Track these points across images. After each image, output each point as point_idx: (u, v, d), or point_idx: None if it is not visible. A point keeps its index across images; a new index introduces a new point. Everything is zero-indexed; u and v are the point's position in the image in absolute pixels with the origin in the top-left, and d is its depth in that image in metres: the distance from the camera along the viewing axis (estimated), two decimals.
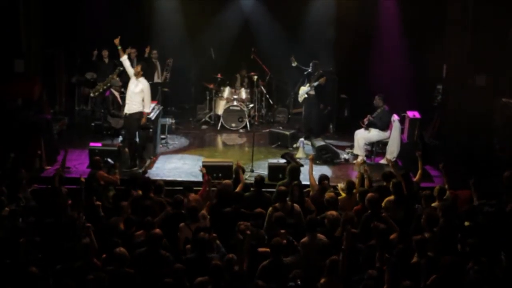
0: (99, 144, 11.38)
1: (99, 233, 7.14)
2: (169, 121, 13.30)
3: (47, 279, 6.40)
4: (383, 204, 8.15)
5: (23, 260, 6.54)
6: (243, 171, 9.65)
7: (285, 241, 6.93)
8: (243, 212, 7.94)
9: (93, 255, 6.64)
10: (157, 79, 14.22)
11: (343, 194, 8.87)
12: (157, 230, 6.91)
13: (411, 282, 6.14)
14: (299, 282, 6.29)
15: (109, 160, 10.09)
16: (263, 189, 8.90)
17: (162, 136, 12.68)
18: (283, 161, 10.73)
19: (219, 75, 14.43)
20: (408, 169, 9.23)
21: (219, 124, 13.95)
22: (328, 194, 8.25)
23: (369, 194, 7.91)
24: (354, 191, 8.69)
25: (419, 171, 9.16)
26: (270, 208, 7.93)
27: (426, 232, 7.23)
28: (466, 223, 7.67)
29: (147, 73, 14.02)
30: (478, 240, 6.79)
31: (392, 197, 8.28)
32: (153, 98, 13.17)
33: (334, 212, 7.73)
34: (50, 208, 7.79)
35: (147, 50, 14.09)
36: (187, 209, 7.76)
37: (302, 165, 9.95)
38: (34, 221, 7.56)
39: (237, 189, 8.74)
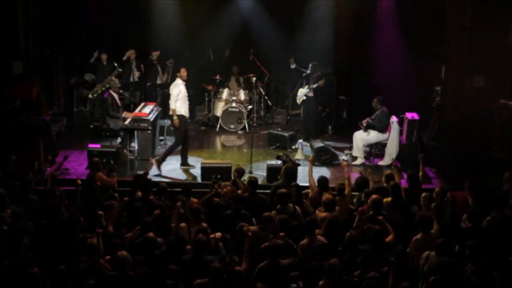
0: (98, 146, 11.38)
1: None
2: (167, 122, 13.29)
3: (47, 280, 6.42)
4: None
5: (24, 261, 6.54)
6: (242, 174, 9.65)
7: (282, 241, 6.93)
8: (244, 214, 7.95)
9: (99, 258, 6.64)
10: (159, 81, 14.18)
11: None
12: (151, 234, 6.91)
13: (411, 283, 6.16)
14: (301, 285, 6.30)
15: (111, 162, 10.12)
16: (258, 191, 8.90)
17: (161, 138, 12.69)
18: (280, 161, 10.75)
19: (217, 77, 14.43)
20: (415, 170, 9.25)
21: (218, 126, 13.95)
22: (326, 196, 8.26)
23: (373, 196, 7.92)
24: (346, 192, 8.70)
25: (421, 173, 9.18)
26: (274, 212, 7.93)
27: (420, 233, 7.24)
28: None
29: (147, 74, 14.11)
30: (478, 242, 6.80)
31: (389, 199, 8.30)
32: (152, 99, 13.21)
33: (323, 214, 7.83)
34: (46, 209, 7.78)
35: (157, 53, 14.02)
36: (190, 211, 7.74)
37: (299, 165, 9.99)
38: (35, 222, 7.58)
39: (239, 191, 8.77)
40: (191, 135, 13.65)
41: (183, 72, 11.28)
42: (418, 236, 7.22)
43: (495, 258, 6.90)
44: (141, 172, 10.35)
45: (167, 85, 13.89)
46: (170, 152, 11.32)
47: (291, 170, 9.32)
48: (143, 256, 6.72)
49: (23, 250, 6.76)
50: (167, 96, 14.00)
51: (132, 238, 7.34)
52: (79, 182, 8.71)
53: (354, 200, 8.87)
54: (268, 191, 9.21)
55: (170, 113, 11.37)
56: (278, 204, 8.13)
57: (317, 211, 8.26)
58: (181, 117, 11.21)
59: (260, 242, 6.99)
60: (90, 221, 7.46)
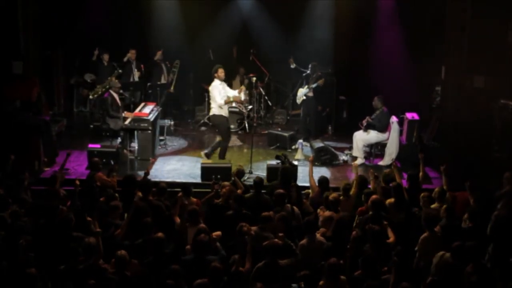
0: (98, 146, 11.38)
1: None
2: (167, 122, 13.30)
3: (46, 280, 6.41)
4: None
5: (22, 261, 6.54)
6: (242, 175, 9.64)
7: (280, 242, 6.94)
8: (245, 213, 7.96)
9: (99, 258, 6.64)
10: (164, 80, 14.17)
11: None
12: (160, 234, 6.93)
13: (411, 283, 6.16)
14: (302, 285, 6.30)
15: (111, 162, 10.11)
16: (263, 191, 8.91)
17: (161, 138, 12.68)
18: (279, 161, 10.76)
19: None
20: (416, 171, 9.25)
21: None
22: (332, 195, 8.26)
23: (373, 196, 7.92)
24: (351, 192, 8.71)
25: (421, 173, 9.18)
26: (271, 212, 7.92)
27: (426, 231, 7.25)
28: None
29: (151, 74, 14.12)
30: (478, 242, 6.80)
31: (392, 200, 8.29)
32: (152, 99, 13.21)
33: (328, 213, 7.82)
34: (47, 210, 7.78)
35: (159, 53, 14.03)
36: (188, 212, 7.75)
37: (294, 166, 9.98)
38: (33, 222, 7.57)
39: (238, 192, 8.77)
40: (191, 135, 13.69)
41: (221, 72, 11.18)
42: (426, 234, 7.23)
43: (498, 256, 6.93)
44: (132, 173, 10.35)
45: (168, 85, 13.92)
46: (224, 150, 11.39)
47: (287, 171, 9.31)
48: (151, 256, 6.74)
49: (20, 250, 6.75)
50: (169, 96, 14.07)
51: (122, 234, 7.38)
52: (78, 182, 8.71)
53: None
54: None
55: (212, 112, 11.31)
56: (276, 205, 8.13)
57: (319, 211, 8.25)
58: (220, 117, 11.23)
59: (261, 242, 6.99)
60: (85, 221, 7.46)
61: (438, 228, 7.42)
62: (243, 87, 12.23)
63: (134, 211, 7.75)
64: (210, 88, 11.30)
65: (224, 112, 11.28)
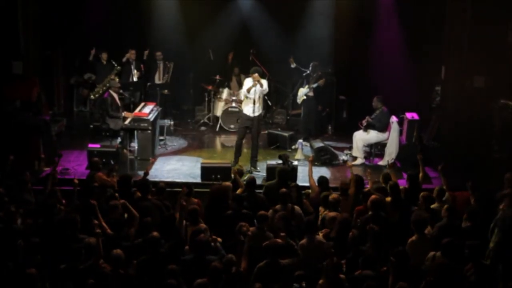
0: (97, 146, 11.38)
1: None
2: (167, 122, 13.30)
3: (45, 280, 6.42)
4: None
5: (22, 262, 6.54)
6: (241, 174, 9.65)
7: (281, 240, 6.93)
8: (245, 213, 7.95)
9: (99, 259, 6.64)
10: (158, 80, 14.19)
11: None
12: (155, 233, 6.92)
13: (409, 284, 6.16)
14: (303, 285, 6.31)
15: (111, 162, 10.10)
16: (257, 190, 8.92)
17: (161, 138, 12.68)
18: (280, 161, 10.75)
19: (217, 77, 14.42)
20: (416, 171, 9.25)
21: (218, 126, 13.95)
22: (332, 196, 8.26)
23: (373, 196, 7.92)
24: (349, 192, 8.70)
25: (421, 174, 9.18)
26: (270, 211, 7.92)
27: (415, 234, 7.23)
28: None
29: (149, 75, 14.14)
30: (478, 242, 6.79)
31: (388, 199, 8.29)
32: (152, 99, 13.22)
33: (332, 213, 7.82)
34: (44, 210, 7.78)
35: (146, 53, 14.10)
36: (188, 212, 7.75)
37: (292, 167, 10.01)
38: (33, 223, 7.57)
39: (237, 192, 8.77)
40: (191, 135, 13.69)
41: (255, 77, 11.11)
42: (413, 237, 7.22)
43: (501, 256, 6.92)
44: (128, 173, 10.32)
45: (166, 86, 13.93)
46: (237, 148, 11.39)
47: (284, 172, 9.30)
48: (147, 255, 6.74)
49: (20, 250, 6.75)
50: (166, 97, 14.07)
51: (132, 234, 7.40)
52: (76, 181, 8.71)
53: None
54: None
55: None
56: (277, 204, 8.12)
57: (323, 210, 8.23)
58: (242, 114, 11.36)
59: (257, 242, 6.99)
60: (86, 221, 7.46)
61: (428, 230, 7.41)
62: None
63: (136, 210, 7.75)
64: (244, 82, 11.44)
65: (248, 110, 11.21)
